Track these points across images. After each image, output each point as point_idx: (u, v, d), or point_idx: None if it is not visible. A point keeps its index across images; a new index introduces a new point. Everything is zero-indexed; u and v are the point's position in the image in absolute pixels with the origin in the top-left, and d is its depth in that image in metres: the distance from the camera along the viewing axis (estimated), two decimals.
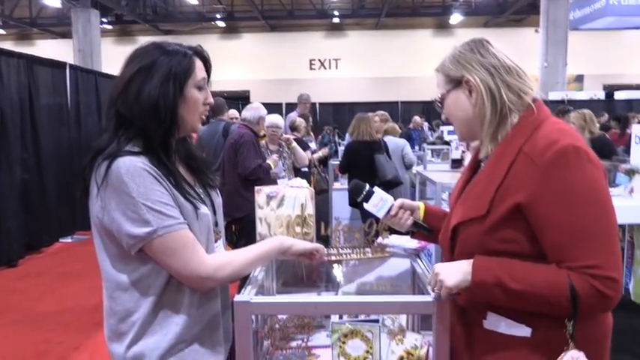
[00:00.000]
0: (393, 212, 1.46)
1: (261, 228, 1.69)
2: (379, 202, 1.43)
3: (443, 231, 1.27)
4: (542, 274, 1.05)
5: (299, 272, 1.74)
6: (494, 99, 1.15)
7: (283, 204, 1.66)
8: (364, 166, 4.39)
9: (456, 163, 4.92)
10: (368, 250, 1.68)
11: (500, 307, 1.13)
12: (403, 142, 5.09)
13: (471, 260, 1.13)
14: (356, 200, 1.48)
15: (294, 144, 4.48)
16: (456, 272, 1.13)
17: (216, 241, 1.30)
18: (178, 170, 1.24)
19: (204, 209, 1.24)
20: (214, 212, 1.34)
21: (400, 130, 6.30)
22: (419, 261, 1.59)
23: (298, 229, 1.63)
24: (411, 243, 1.67)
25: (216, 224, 1.35)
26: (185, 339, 1.20)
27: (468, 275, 1.11)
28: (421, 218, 1.47)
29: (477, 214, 1.13)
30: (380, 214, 1.45)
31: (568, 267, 1.04)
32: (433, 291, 1.18)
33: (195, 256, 1.17)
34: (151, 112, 1.15)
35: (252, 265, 1.28)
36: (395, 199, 1.48)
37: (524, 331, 1.10)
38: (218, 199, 1.40)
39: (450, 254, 1.22)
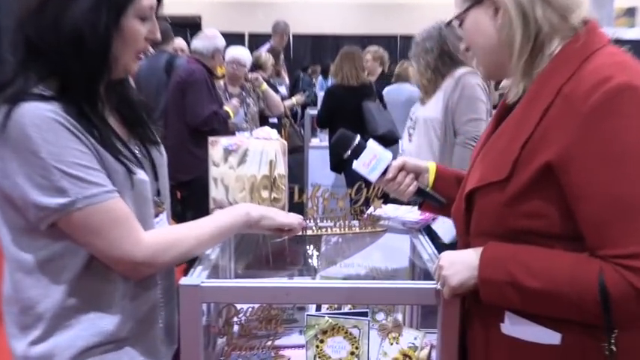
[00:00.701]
0: (390, 174, 1.43)
1: (216, 192, 1.67)
2: (372, 160, 1.39)
3: (457, 200, 1.24)
4: (567, 267, 1.01)
5: (264, 250, 1.74)
6: (527, 19, 1.06)
7: (246, 160, 1.64)
8: (350, 117, 4.33)
9: None
10: (355, 223, 1.67)
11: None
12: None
13: (480, 249, 1.11)
14: (342, 157, 1.45)
15: (266, 86, 4.40)
16: (462, 267, 1.11)
17: (157, 215, 1.28)
18: (107, 121, 1.19)
19: (142, 174, 1.21)
20: (155, 177, 1.32)
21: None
22: (421, 238, 1.58)
23: (265, 194, 1.61)
24: (411, 214, 1.67)
25: (157, 193, 1.32)
26: (111, 338, 1.17)
27: (475, 270, 1.09)
28: (430, 184, 1.44)
29: (497, 177, 1.09)
30: (373, 177, 1.41)
31: (602, 256, 0.99)
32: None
33: (129, 234, 1.14)
34: (73, 45, 1.08)
35: (206, 245, 1.27)
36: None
37: (551, 337, 1.06)
38: (161, 159, 1.36)
39: (465, 232, 1.19)
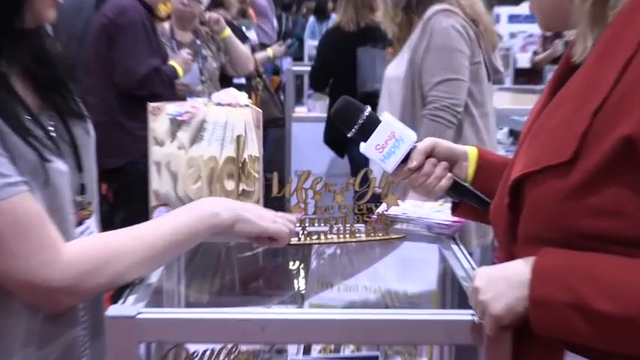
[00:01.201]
0: (415, 162, 1.46)
1: (158, 183, 1.67)
2: (389, 142, 1.42)
3: (497, 196, 1.29)
4: None
5: (229, 267, 1.77)
6: None
7: (203, 137, 1.65)
8: (353, 76, 4.37)
9: (524, 77, 4.98)
10: (360, 227, 1.69)
11: (586, 345, 1.12)
12: None
13: (531, 259, 1.13)
14: (345, 134, 1.47)
15: (229, 32, 4.40)
16: (505, 285, 1.13)
17: (80, 221, 1.31)
18: (12, 87, 1.21)
19: (59, 163, 1.22)
20: (79, 167, 1.33)
21: None
22: (454, 248, 1.59)
23: (230, 185, 1.62)
24: (440, 214, 1.68)
25: (81, 190, 1.33)
26: None
27: (524, 288, 1.11)
28: (470, 177, 1.48)
29: (556, 158, 1.12)
30: (389, 165, 1.44)
31: None
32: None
33: (41, 246, 1.14)
34: None
35: (154, 262, 1.32)
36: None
37: None
38: (87, 141, 1.37)
39: (509, 239, 1.22)
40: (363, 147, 1.44)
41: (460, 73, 2.70)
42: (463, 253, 1.56)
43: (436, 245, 1.64)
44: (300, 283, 1.72)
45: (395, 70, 2.85)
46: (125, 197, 3.65)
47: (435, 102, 2.66)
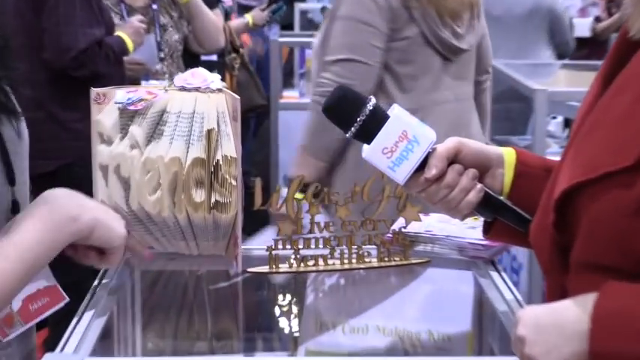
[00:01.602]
0: (434, 171, 1.43)
1: (105, 193, 1.70)
2: (400, 142, 1.41)
3: (539, 213, 1.30)
4: None
5: (201, 302, 1.77)
6: None
7: (163, 132, 1.67)
8: None
9: (584, 48, 4.98)
10: (370, 249, 1.70)
11: None
12: None
13: (590, 299, 1.14)
14: (345, 131, 1.48)
15: None
16: (557, 335, 1.14)
17: None
18: None
19: None
20: (10, 180, 1.36)
21: None
22: (494, 276, 1.62)
23: (200, 196, 1.65)
24: (475, 231, 1.68)
25: (13, 209, 1.35)
26: None
27: (582, 343, 1.12)
28: (506, 189, 1.48)
29: (618, 163, 1.13)
30: (400, 174, 1.43)
31: None
32: None
33: None
34: None
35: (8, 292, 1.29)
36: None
37: None
38: (21, 146, 1.40)
39: (557, 267, 1.24)
40: (367, 151, 1.44)
41: (361, 53, 2.73)
42: (505, 281, 1.58)
43: (470, 272, 1.66)
44: (292, 324, 1.72)
45: (316, 40, 2.92)
46: None
47: (322, 86, 2.70)
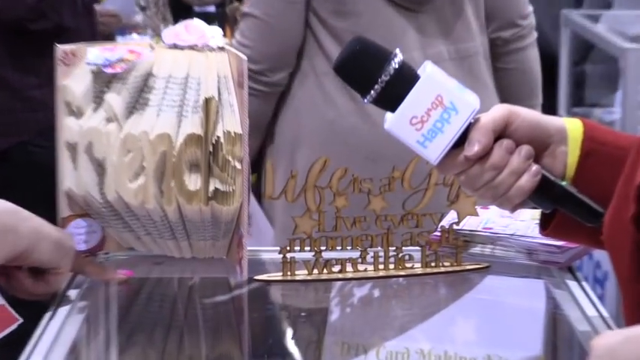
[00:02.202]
0: (476, 147, 1.41)
1: (73, 178, 1.72)
2: (434, 110, 1.39)
3: (614, 203, 1.31)
4: None
5: (192, 321, 1.78)
6: None
7: (148, 101, 1.68)
8: None
9: None
10: (412, 251, 1.73)
11: None
12: None
13: None
14: (362, 94, 1.47)
15: None
16: None
17: None
18: None
19: None
20: None
21: None
22: (572, 285, 1.63)
23: (194, 183, 1.66)
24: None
25: None
26: None
27: None
28: (570, 172, 1.49)
29: None
30: (434, 151, 1.41)
31: None
32: None
33: None
34: None
35: None
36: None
37: None
38: None
39: (638, 276, 1.26)
40: (390, 121, 1.44)
41: (259, 6, 2.79)
42: (587, 293, 1.59)
43: (542, 281, 1.67)
44: (312, 348, 1.71)
45: None
46: (18, 204, 3.63)
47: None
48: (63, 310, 1.60)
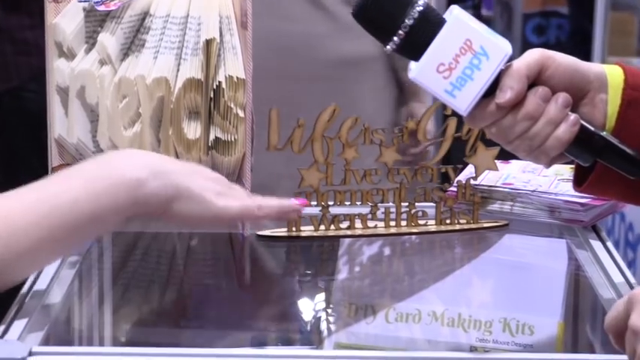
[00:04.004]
0: (509, 94, 1.40)
1: (63, 125, 1.72)
2: (462, 56, 1.38)
3: None
4: None
5: (190, 280, 1.79)
6: None
7: (145, 42, 1.69)
8: None
9: None
10: (426, 207, 1.73)
11: None
12: None
13: None
14: (384, 42, 1.46)
15: None
16: None
17: None
18: None
19: None
20: None
21: None
22: (597, 246, 1.63)
23: (194, 131, 1.67)
24: (570, 186, 1.68)
25: None
26: None
27: None
28: (611, 122, 1.48)
29: None
30: (464, 100, 1.39)
31: None
32: None
33: None
34: None
35: (35, 259, 1.35)
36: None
37: None
38: None
39: None
40: (416, 69, 1.43)
41: None
42: (612, 256, 1.59)
43: (564, 241, 1.67)
44: (317, 308, 1.73)
45: None
46: (8, 153, 3.63)
47: None
48: (52, 266, 1.58)
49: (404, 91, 2.95)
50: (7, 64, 3.47)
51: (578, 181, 1.50)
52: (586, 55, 5.09)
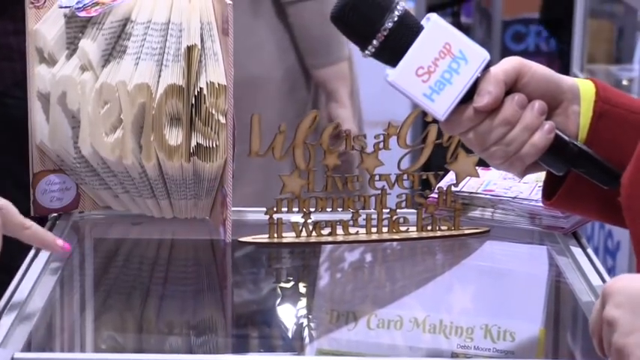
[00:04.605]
0: (486, 99, 1.40)
1: (43, 130, 1.72)
2: (441, 60, 1.38)
3: (636, 162, 1.34)
4: None
5: (174, 285, 1.79)
6: None
7: (126, 48, 1.68)
8: None
9: None
10: (408, 214, 1.73)
11: None
12: None
13: None
14: (362, 47, 1.46)
15: None
16: None
17: None
18: None
19: None
20: None
21: None
22: (577, 252, 1.63)
23: (176, 137, 1.66)
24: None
25: None
26: None
27: None
28: (583, 133, 1.49)
29: None
30: (442, 105, 1.39)
31: None
32: None
33: None
34: None
35: None
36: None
37: None
38: None
39: None
40: (395, 73, 1.43)
41: None
42: (592, 262, 1.59)
43: (544, 248, 1.68)
44: (299, 315, 1.73)
45: None
46: None
47: None
48: (37, 269, 1.60)
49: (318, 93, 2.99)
50: None
51: (548, 195, 1.51)
52: (564, 62, 5.10)
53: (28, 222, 1.48)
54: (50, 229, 1.76)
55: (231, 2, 1.65)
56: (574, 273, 1.57)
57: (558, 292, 1.65)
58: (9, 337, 1.36)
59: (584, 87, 1.47)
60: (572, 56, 5.10)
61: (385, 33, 1.40)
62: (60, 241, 1.55)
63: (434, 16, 1.44)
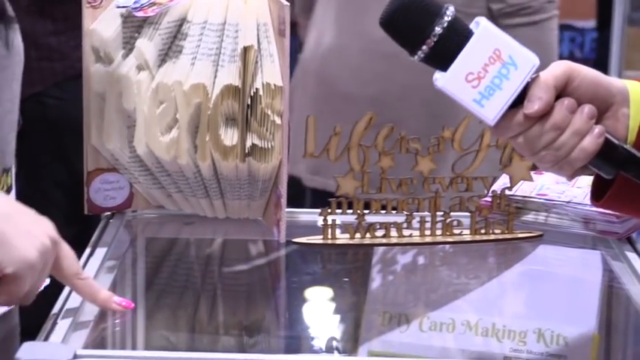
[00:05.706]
0: (537, 105, 1.41)
1: (97, 130, 1.73)
2: (491, 65, 1.38)
3: None
4: None
5: (225, 287, 1.80)
6: None
7: (182, 49, 1.69)
8: None
9: None
10: (461, 217, 1.74)
11: None
12: None
13: None
14: (411, 52, 1.46)
15: None
16: None
17: None
18: None
19: None
20: None
21: None
22: (633, 258, 1.63)
23: (231, 137, 1.67)
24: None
25: None
26: None
27: None
28: (632, 137, 1.48)
29: None
30: (492, 110, 1.39)
31: None
32: None
33: None
34: None
35: None
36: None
37: None
38: (13, 64, 1.48)
39: None
40: (444, 78, 1.43)
41: None
42: None
43: (598, 252, 1.67)
44: (351, 316, 1.72)
45: None
46: (29, 159, 3.61)
47: None
48: (93, 268, 1.62)
49: None
50: (30, 70, 3.46)
51: (597, 196, 1.50)
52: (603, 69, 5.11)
53: (85, 273, 1.45)
54: (103, 228, 1.77)
55: (288, 3, 1.66)
56: (629, 277, 1.57)
57: (613, 297, 1.65)
58: (69, 335, 1.37)
59: (634, 89, 1.47)
60: (611, 63, 5.08)
61: (435, 39, 1.40)
62: (117, 299, 1.49)
63: (483, 21, 1.44)
